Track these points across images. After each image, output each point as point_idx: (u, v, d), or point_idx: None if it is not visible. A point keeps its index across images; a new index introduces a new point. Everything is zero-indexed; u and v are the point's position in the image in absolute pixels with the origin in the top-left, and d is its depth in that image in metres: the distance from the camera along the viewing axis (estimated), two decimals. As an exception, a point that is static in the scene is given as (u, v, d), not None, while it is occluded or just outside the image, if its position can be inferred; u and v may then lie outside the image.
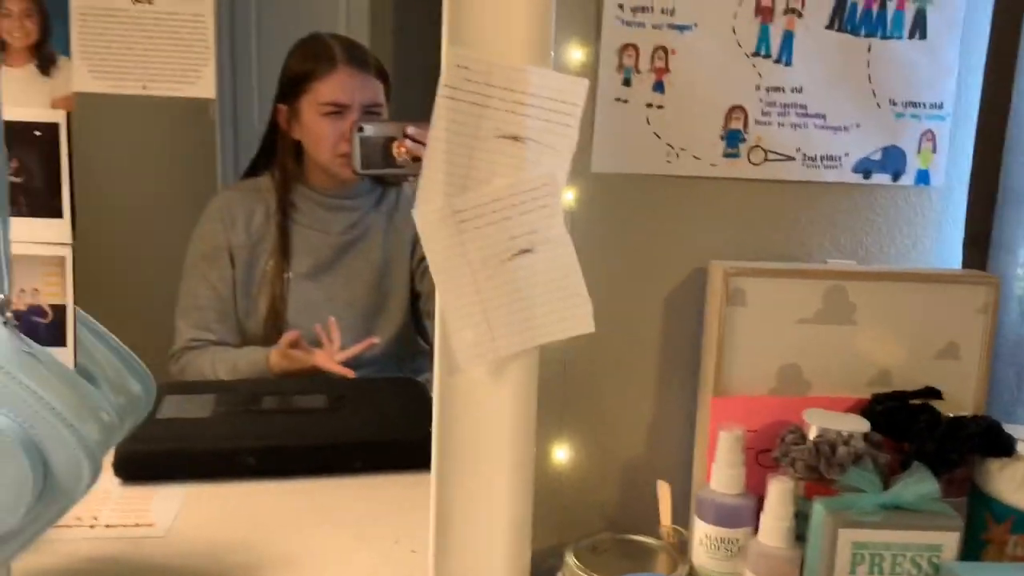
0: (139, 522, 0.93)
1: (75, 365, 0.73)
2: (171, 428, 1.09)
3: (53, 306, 0.72)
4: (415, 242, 1.42)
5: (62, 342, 0.73)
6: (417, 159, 0.94)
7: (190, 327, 1.35)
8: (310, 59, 1.32)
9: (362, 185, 1.38)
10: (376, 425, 1.15)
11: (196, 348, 1.35)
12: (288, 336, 1.30)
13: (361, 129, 1.01)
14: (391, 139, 0.97)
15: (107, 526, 0.92)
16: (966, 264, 0.88)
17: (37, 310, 0.72)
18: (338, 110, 1.29)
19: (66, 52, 0.69)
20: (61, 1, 0.68)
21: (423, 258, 1.33)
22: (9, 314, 0.67)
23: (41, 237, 0.71)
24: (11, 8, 0.67)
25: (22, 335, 0.67)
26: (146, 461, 1.02)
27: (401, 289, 1.44)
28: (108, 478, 1.00)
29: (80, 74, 0.69)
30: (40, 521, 0.68)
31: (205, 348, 1.35)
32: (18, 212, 0.69)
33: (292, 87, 1.34)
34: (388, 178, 1.35)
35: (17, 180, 0.69)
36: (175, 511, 0.95)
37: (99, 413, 0.70)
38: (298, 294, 1.39)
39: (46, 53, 0.69)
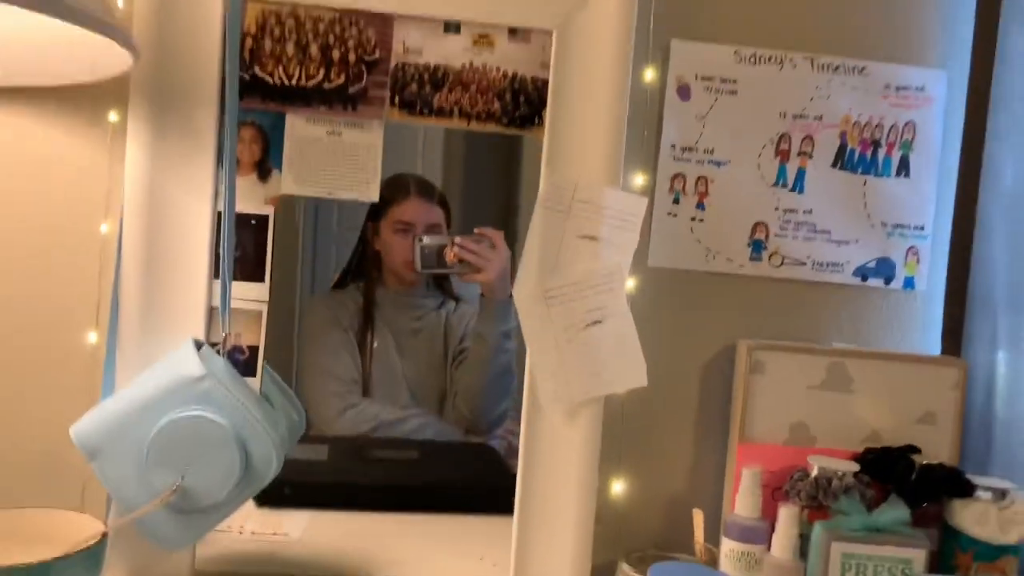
0: (276, 531, 1.16)
1: (260, 391, 0.99)
2: (297, 466, 1.33)
3: (249, 346, 0.99)
4: (462, 338, 1.69)
5: (253, 374, 0.99)
6: (463, 261, 1.19)
7: (340, 387, 1.59)
8: (391, 190, 1.65)
9: (426, 291, 1.67)
10: (459, 473, 1.38)
11: (355, 406, 1.59)
12: None
13: (421, 240, 1.29)
14: (443, 246, 1.24)
15: (252, 533, 1.15)
16: (944, 351, 1.10)
17: (239, 349, 0.99)
18: (406, 228, 1.59)
19: (279, 166, 0.98)
20: (278, 132, 0.98)
21: (463, 350, 1.60)
22: (225, 349, 0.94)
23: (247, 296, 0.99)
24: (244, 136, 0.97)
25: (231, 364, 0.93)
26: (279, 489, 1.26)
27: (449, 371, 1.70)
28: (247, 503, 1.24)
29: (287, 182, 0.98)
30: (237, 499, 0.92)
31: (356, 406, 1.59)
32: (234, 277, 0.96)
33: (378, 209, 1.66)
34: (442, 281, 1.65)
35: (237, 255, 0.97)
36: (302, 527, 1.18)
37: (278, 426, 0.95)
38: (380, 362, 1.64)
39: (265, 167, 0.98)
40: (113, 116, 0.98)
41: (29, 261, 0.99)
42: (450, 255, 1.18)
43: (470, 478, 1.36)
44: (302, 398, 1.72)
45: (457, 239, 1.15)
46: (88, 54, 0.86)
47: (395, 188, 1.66)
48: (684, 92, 1.06)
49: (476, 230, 1.00)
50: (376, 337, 1.74)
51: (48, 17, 0.70)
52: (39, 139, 0.98)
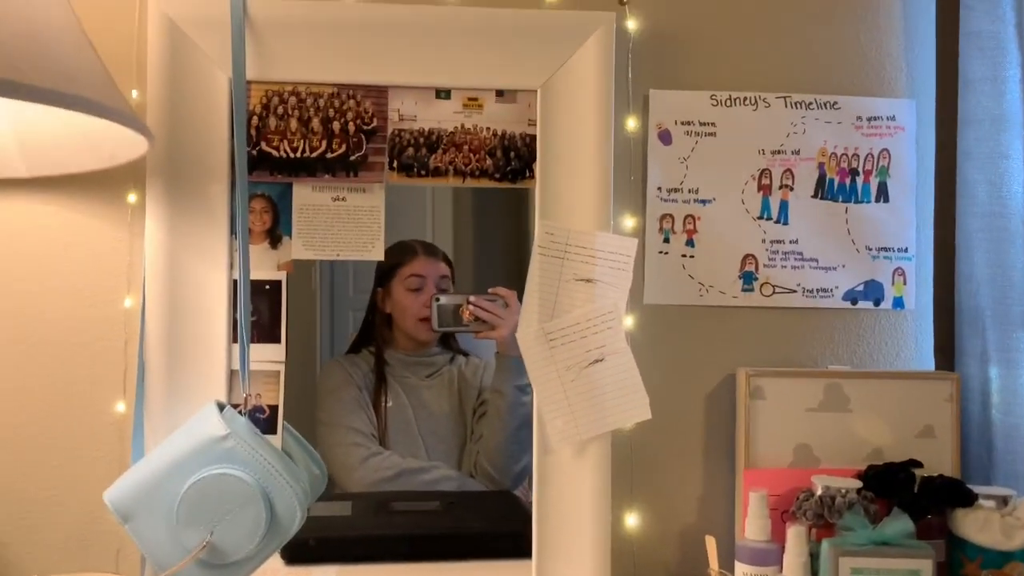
0: (305, 587, 1.19)
1: (281, 447, 1.04)
2: (324, 523, 1.36)
3: (269, 405, 1.04)
4: (480, 391, 1.74)
5: (274, 431, 1.04)
6: (477, 319, 1.25)
7: (360, 439, 1.63)
8: (398, 253, 1.73)
9: (435, 350, 1.72)
10: (481, 520, 1.41)
11: (378, 455, 1.63)
12: None
13: (438, 299, 1.34)
14: (459, 305, 1.29)
15: (282, 589, 1.18)
16: (937, 367, 1.13)
17: (260, 408, 1.04)
18: (419, 285, 1.66)
19: (288, 233, 1.04)
20: (287, 201, 1.04)
21: (483, 402, 1.65)
22: (246, 409, 0.99)
23: (264, 357, 1.04)
24: (255, 207, 1.03)
25: (252, 423, 0.98)
26: (305, 546, 1.30)
27: (468, 426, 1.74)
28: (275, 560, 1.27)
29: (297, 247, 1.05)
30: (263, 553, 0.96)
31: (379, 454, 1.63)
32: (252, 340, 1.02)
33: (386, 273, 1.74)
34: (449, 338, 1.70)
35: (253, 319, 1.03)
36: (330, 581, 1.21)
37: (300, 480, 0.99)
38: (395, 419, 1.68)
39: (276, 234, 1.04)
40: (132, 197, 1.04)
41: (59, 338, 1.05)
42: (465, 314, 1.23)
43: (492, 524, 1.39)
44: (323, 453, 1.77)
45: (471, 298, 1.21)
46: (107, 142, 0.93)
47: (402, 251, 1.74)
48: (665, 137, 1.11)
49: (490, 290, 1.06)
50: (390, 396, 1.79)
51: (69, 111, 0.76)
52: (63, 223, 1.05)
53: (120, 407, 1.05)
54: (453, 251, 1.70)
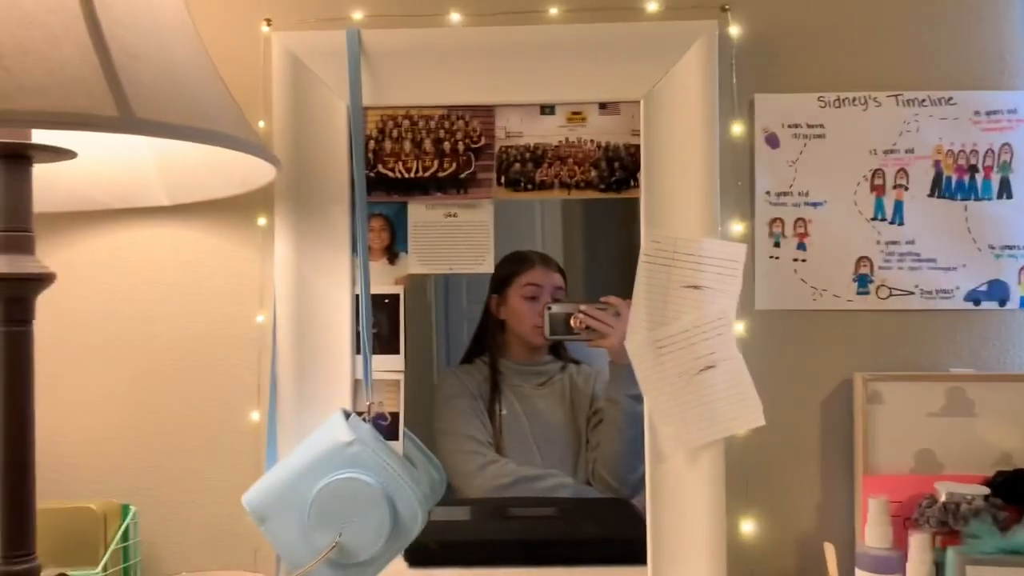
0: (428, 588, 1.24)
1: (403, 452, 1.09)
2: (444, 527, 1.41)
3: (391, 413, 1.09)
4: (593, 398, 1.75)
5: (395, 438, 1.09)
6: (588, 328, 1.27)
7: (477, 447, 1.69)
8: (516, 263, 1.77)
9: (547, 359, 1.75)
10: (596, 527, 1.43)
11: (496, 462, 1.68)
12: None
13: (550, 307, 1.37)
14: (570, 314, 1.31)
15: (407, 590, 1.23)
16: (1074, 368, 1.08)
17: (382, 416, 1.09)
18: (535, 293, 1.69)
19: (405, 249, 1.10)
20: (402, 219, 1.10)
21: (596, 412, 1.66)
22: (369, 416, 1.04)
23: (385, 367, 1.09)
24: (374, 226, 1.09)
25: (376, 430, 1.03)
26: (427, 549, 1.34)
27: (582, 434, 1.75)
28: (399, 563, 1.33)
29: (412, 263, 1.10)
30: (388, 553, 1.01)
31: (496, 461, 1.68)
32: (373, 351, 1.07)
33: (502, 281, 1.78)
34: (559, 347, 1.72)
35: (375, 331, 1.08)
36: (451, 583, 1.26)
37: (421, 484, 1.04)
38: (509, 426, 1.72)
39: (393, 251, 1.10)
40: (262, 220, 1.12)
41: (197, 353, 1.14)
42: (576, 322, 1.26)
43: (606, 530, 1.40)
44: (442, 460, 1.83)
45: (582, 307, 1.23)
46: (237, 170, 1.00)
47: (519, 260, 1.79)
48: (773, 141, 1.11)
49: (602, 299, 1.09)
50: (504, 404, 1.83)
51: (204, 145, 0.83)
52: (200, 246, 1.14)
53: (255, 416, 1.12)
54: (563, 261, 1.73)
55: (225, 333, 1.13)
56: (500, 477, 1.68)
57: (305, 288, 1.07)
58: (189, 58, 0.84)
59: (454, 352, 2.00)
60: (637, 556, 1.11)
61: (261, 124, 1.10)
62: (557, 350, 1.75)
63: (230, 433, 1.13)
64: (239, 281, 1.13)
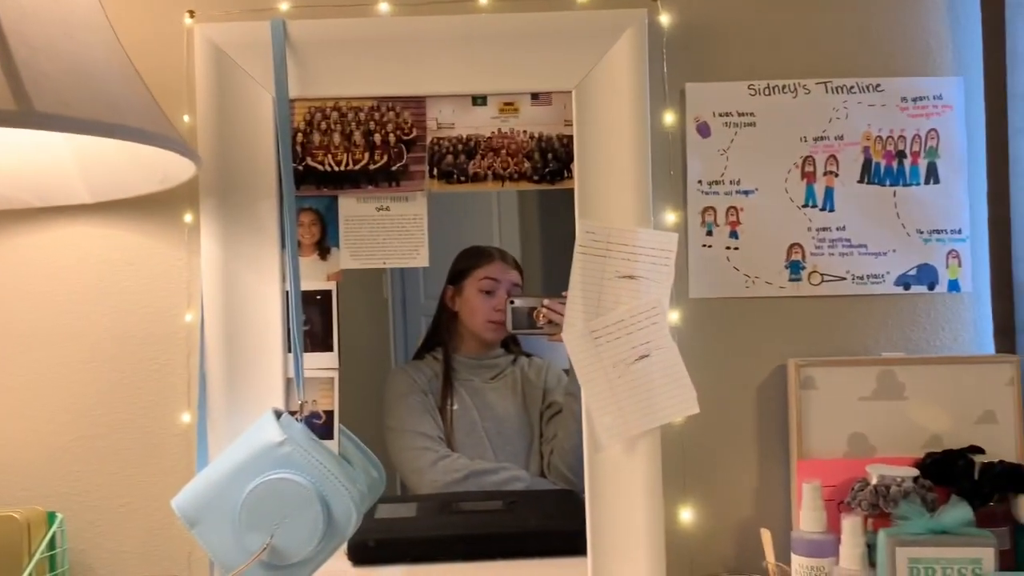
0: (370, 588, 1.22)
1: (338, 451, 1.07)
2: (388, 524, 1.40)
3: (325, 411, 1.08)
4: (545, 391, 1.75)
5: (330, 436, 1.07)
6: (551, 322, 1.26)
7: (429, 443, 1.67)
8: (475, 256, 1.77)
9: (498, 352, 1.74)
10: (542, 519, 1.42)
11: (447, 457, 1.66)
12: None
13: (512, 302, 1.36)
14: (533, 308, 1.31)
15: (349, 589, 1.22)
16: (998, 350, 1.10)
17: (316, 414, 1.07)
18: (491, 287, 1.69)
19: (336, 244, 1.08)
20: (333, 213, 1.08)
21: (550, 405, 1.66)
22: (302, 415, 1.02)
23: (319, 365, 1.08)
24: (303, 220, 1.07)
25: (309, 429, 1.01)
26: (371, 548, 1.33)
27: (535, 427, 1.75)
28: (343, 562, 1.31)
29: (344, 257, 1.08)
30: (323, 554, 0.99)
31: (448, 456, 1.66)
32: (305, 349, 1.05)
33: (460, 273, 1.77)
34: (516, 339, 1.71)
35: (306, 328, 1.06)
36: (395, 581, 1.24)
37: (357, 483, 1.02)
38: (461, 422, 1.71)
39: (324, 246, 1.08)
40: (188, 217, 1.09)
41: (124, 354, 1.11)
42: (539, 317, 1.25)
43: (552, 522, 1.40)
44: (394, 458, 1.81)
45: (545, 301, 1.23)
46: (159, 167, 0.97)
47: (478, 254, 1.79)
48: (704, 129, 1.11)
49: (563, 293, 1.08)
50: (455, 399, 1.82)
51: (122, 141, 0.81)
52: (125, 244, 1.11)
53: (185, 417, 1.10)
54: (521, 255, 1.73)
55: (152, 333, 1.10)
56: (452, 472, 1.67)
57: (233, 285, 1.05)
58: (100, 50, 0.81)
59: (412, 348, 2.00)
60: (582, 547, 1.10)
61: (186, 119, 1.08)
62: (508, 344, 1.75)
63: (160, 435, 1.10)
64: (166, 280, 1.11)
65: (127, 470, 1.11)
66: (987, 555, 0.90)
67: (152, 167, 0.97)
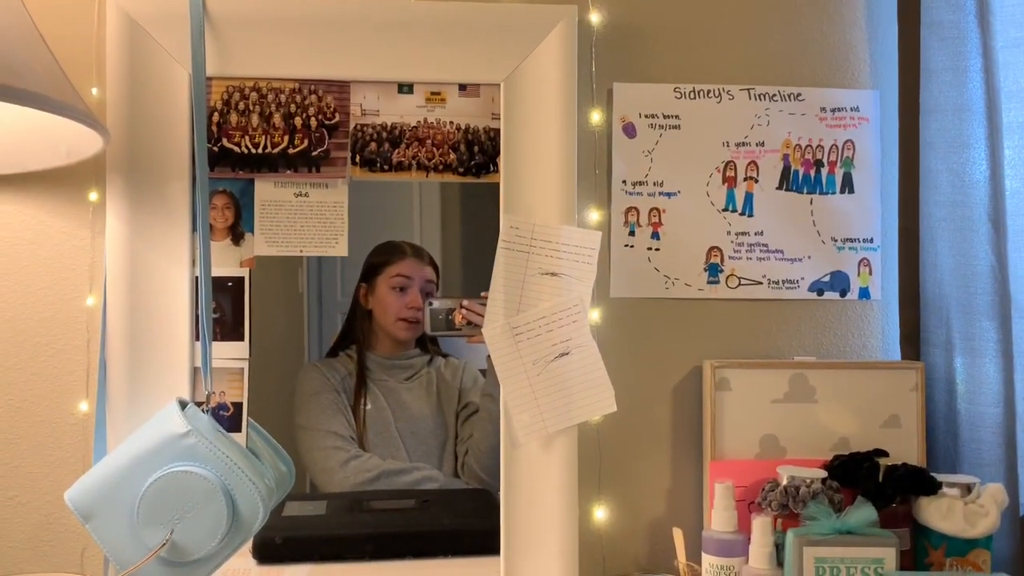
0: (275, 586, 1.19)
1: (246, 445, 1.03)
2: (296, 522, 1.36)
3: (233, 403, 1.04)
4: (461, 391, 1.74)
5: (238, 429, 1.04)
6: (470, 323, 1.25)
7: (340, 442, 1.63)
8: (387, 253, 1.73)
9: (414, 352, 1.72)
10: (455, 518, 1.41)
11: (359, 457, 1.62)
12: None
13: (431, 303, 1.35)
14: (451, 309, 1.29)
15: (253, 588, 1.18)
16: (904, 356, 1.13)
17: (224, 406, 1.03)
18: (404, 285, 1.66)
19: (251, 229, 1.04)
20: (249, 197, 1.04)
21: (466, 405, 1.65)
22: (208, 407, 0.98)
23: (228, 355, 1.04)
24: (216, 203, 1.03)
25: (215, 421, 0.97)
26: (278, 545, 1.29)
27: (450, 427, 1.74)
28: (247, 559, 1.26)
29: (259, 244, 1.04)
30: (227, 549, 0.95)
31: (360, 456, 1.62)
32: (214, 337, 1.02)
33: (372, 271, 1.74)
34: (434, 339, 1.70)
35: (216, 316, 1.02)
36: (301, 581, 1.21)
37: (264, 477, 0.99)
38: (374, 421, 1.68)
39: (238, 231, 1.04)
40: (93, 195, 1.04)
41: (20, 338, 1.04)
42: (458, 318, 1.23)
43: (465, 521, 1.38)
44: (304, 457, 1.76)
45: (464, 302, 1.21)
46: (64, 140, 0.92)
47: (390, 250, 1.75)
48: (630, 130, 1.11)
49: (482, 294, 1.06)
50: (369, 399, 1.79)
51: (23, 108, 0.76)
52: (25, 222, 1.04)
53: (83, 406, 1.04)
54: (441, 252, 1.71)
55: (51, 317, 1.04)
56: (363, 472, 1.63)
57: (140, 269, 1.00)
58: (1, 16, 0.76)
59: (327, 345, 1.95)
60: (495, 546, 1.09)
61: (94, 92, 1.02)
62: (424, 343, 1.72)
63: (55, 425, 1.04)
64: (67, 260, 1.05)
65: (17, 461, 1.04)
66: (889, 555, 0.92)
67: (56, 139, 0.92)
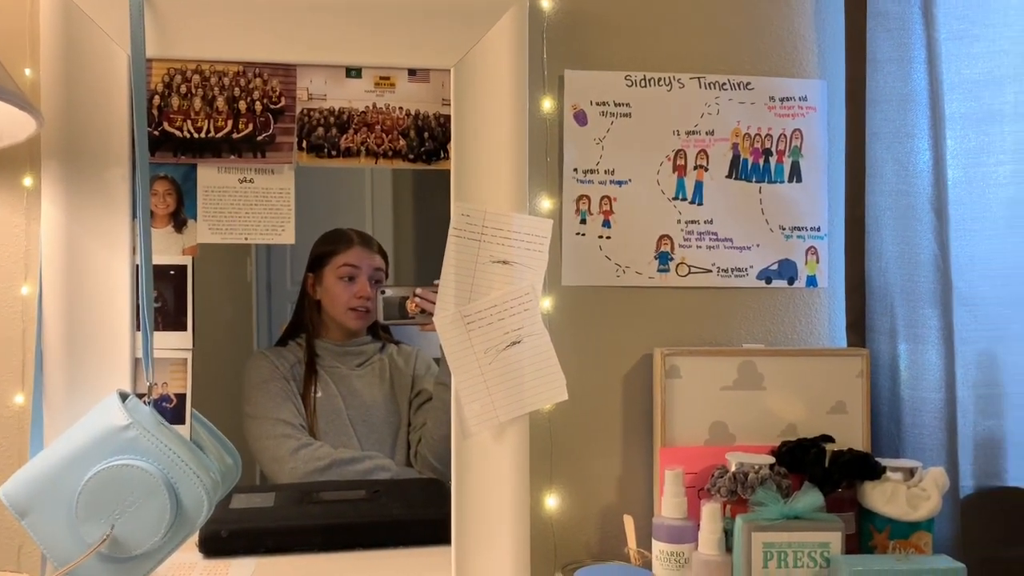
0: (222, 580, 1.17)
1: (190, 437, 1.01)
2: (242, 514, 1.33)
3: (176, 394, 1.01)
4: (414, 379, 1.72)
5: (182, 421, 1.01)
6: (424, 312, 1.24)
7: (289, 431, 1.60)
8: (333, 242, 1.71)
9: (366, 339, 1.70)
10: (406, 508, 1.39)
11: (309, 445, 1.59)
12: None
13: (384, 292, 1.33)
14: (405, 298, 1.28)
15: (197, 585, 1.15)
16: (850, 344, 1.15)
17: (166, 397, 1.00)
18: (351, 274, 1.64)
19: (194, 216, 1.01)
20: (191, 183, 1.01)
21: (419, 393, 1.63)
22: (150, 398, 0.96)
23: (171, 345, 1.01)
24: (157, 189, 1.00)
25: (158, 412, 0.95)
26: (224, 539, 1.26)
27: (403, 415, 1.72)
28: (193, 553, 1.24)
29: (202, 231, 1.01)
30: (170, 544, 0.93)
31: (310, 444, 1.59)
32: (156, 327, 0.99)
33: (319, 260, 1.71)
34: (388, 332, 1.68)
35: (157, 305, 1.00)
36: (249, 574, 1.19)
37: (209, 471, 0.97)
38: (324, 409, 1.66)
39: (180, 218, 1.01)
40: (28, 180, 1.00)
41: (-49, 328, 1.00)
42: (411, 306, 1.21)
43: (416, 511, 1.37)
44: (253, 446, 1.73)
45: (418, 291, 1.19)
46: (-6, 122, 0.88)
47: (337, 239, 1.72)
48: (581, 118, 1.11)
49: (435, 282, 1.05)
50: (319, 387, 1.76)
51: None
52: (-46, 208, 1.00)
53: (18, 399, 1.01)
54: (394, 239, 1.69)
55: (-18, 306, 1.01)
56: (314, 461, 1.61)
57: (77, 257, 0.97)
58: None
59: (276, 334, 1.91)
60: (446, 536, 1.09)
61: (27, 72, 0.98)
62: (375, 331, 1.70)
63: (-12, 418, 1.01)
64: (1, 248, 1.01)
65: (-52, 456, 1.01)
66: (835, 539, 0.94)
67: (-15, 122, 0.88)
